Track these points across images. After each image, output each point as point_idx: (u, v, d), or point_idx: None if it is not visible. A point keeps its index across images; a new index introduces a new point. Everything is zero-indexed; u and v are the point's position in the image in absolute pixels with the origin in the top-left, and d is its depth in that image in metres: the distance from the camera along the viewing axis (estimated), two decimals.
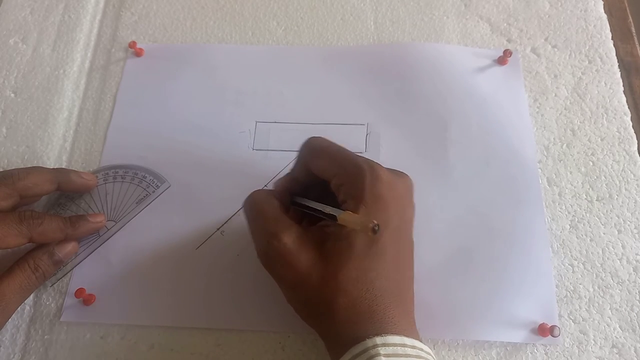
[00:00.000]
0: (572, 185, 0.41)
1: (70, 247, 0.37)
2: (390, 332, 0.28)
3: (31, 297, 0.37)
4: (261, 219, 0.32)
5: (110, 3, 0.51)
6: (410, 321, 0.31)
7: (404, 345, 0.28)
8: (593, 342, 0.35)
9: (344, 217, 0.28)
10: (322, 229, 0.32)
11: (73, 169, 0.42)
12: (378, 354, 0.27)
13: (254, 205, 0.33)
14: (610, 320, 0.36)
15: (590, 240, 0.39)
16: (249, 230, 0.33)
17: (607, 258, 0.38)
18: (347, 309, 0.29)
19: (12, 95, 0.46)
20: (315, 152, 0.33)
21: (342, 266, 0.29)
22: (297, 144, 0.42)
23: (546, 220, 0.39)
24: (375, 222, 0.27)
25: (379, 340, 0.27)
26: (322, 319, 0.30)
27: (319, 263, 0.30)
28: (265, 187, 0.40)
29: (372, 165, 0.31)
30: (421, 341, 0.29)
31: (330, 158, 0.32)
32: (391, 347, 0.27)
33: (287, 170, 0.41)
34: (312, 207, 0.32)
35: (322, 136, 0.34)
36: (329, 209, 0.30)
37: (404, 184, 0.32)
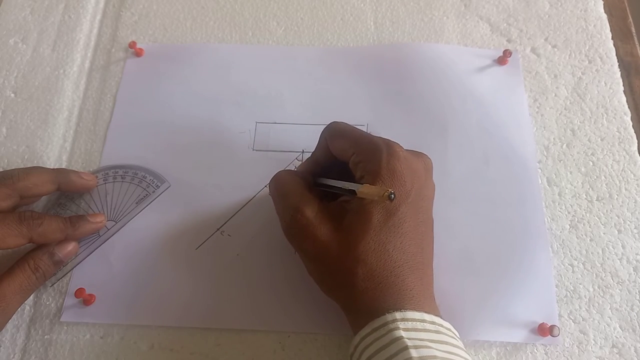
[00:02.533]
0: (572, 185, 0.41)
1: (70, 247, 0.37)
2: (410, 307, 0.29)
3: (31, 297, 0.37)
4: (285, 196, 0.34)
5: (110, 3, 0.51)
6: (430, 296, 0.31)
7: (423, 321, 0.28)
8: (593, 342, 0.35)
9: (363, 189, 0.29)
10: (342, 204, 0.33)
11: (73, 169, 0.42)
12: (397, 328, 0.27)
13: (279, 183, 0.35)
14: (610, 320, 0.36)
15: (590, 240, 0.39)
16: (275, 207, 0.35)
17: (607, 258, 0.38)
18: (365, 279, 0.30)
19: (12, 95, 0.46)
20: (336, 133, 0.35)
21: (361, 238, 0.30)
22: (297, 145, 0.42)
23: (546, 220, 0.39)
24: (391, 190, 0.28)
25: (398, 315, 0.28)
26: (342, 289, 0.31)
27: (339, 235, 0.31)
28: (266, 187, 0.41)
29: (389, 143, 0.32)
30: (441, 317, 0.30)
31: (349, 138, 0.34)
32: (410, 322, 0.28)
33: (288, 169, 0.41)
34: (332, 185, 0.33)
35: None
36: (348, 185, 0.31)
37: (421, 162, 0.33)
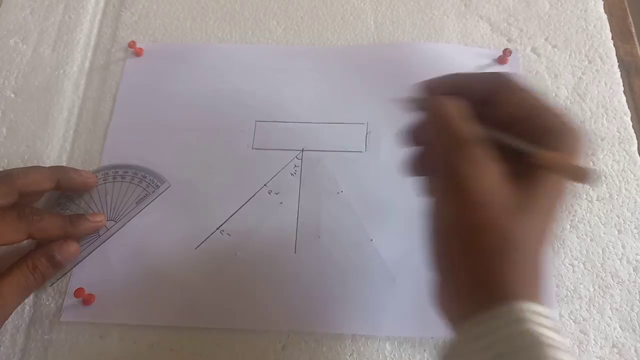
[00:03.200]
0: (572, 185, 0.40)
1: (71, 248, 0.37)
2: (540, 302, 0.25)
3: (31, 297, 0.37)
4: (453, 125, 0.28)
5: (110, 3, 0.51)
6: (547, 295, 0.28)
7: (552, 319, 0.24)
8: (593, 342, 0.35)
9: (556, 158, 0.25)
10: (516, 162, 0.27)
11: None
12: (531, 322, 0.24)
13: (445, 111, 0.29)
14: (611, 320, 0.36)
15: (590, 240, 0.39)
16: (433, 138, 0.30)
17: (607, 258, 0.38)
18: (517, 250, 0.25)
19: (12, 95, 0.46)
20: (521, 87, 0.30)
21: (530, 209, 0.26)
22: (297, 143, 0.42)
23: None
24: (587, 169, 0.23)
25: (535, 307, 0.24)
26: (478, 254, 0.26)
27: (506, 191, 0.26)
28: (265, 186, 0.40)
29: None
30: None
31: (537, 100, 0.29)
32: (543, 319, 0.24)
33: (288, 169, 0.41)
34: (506, 141, 0.28)
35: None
36: (532, 147, 0.27)
37: None
